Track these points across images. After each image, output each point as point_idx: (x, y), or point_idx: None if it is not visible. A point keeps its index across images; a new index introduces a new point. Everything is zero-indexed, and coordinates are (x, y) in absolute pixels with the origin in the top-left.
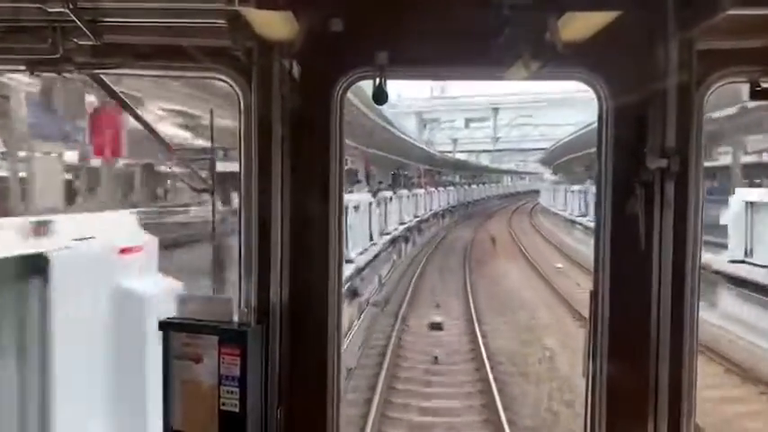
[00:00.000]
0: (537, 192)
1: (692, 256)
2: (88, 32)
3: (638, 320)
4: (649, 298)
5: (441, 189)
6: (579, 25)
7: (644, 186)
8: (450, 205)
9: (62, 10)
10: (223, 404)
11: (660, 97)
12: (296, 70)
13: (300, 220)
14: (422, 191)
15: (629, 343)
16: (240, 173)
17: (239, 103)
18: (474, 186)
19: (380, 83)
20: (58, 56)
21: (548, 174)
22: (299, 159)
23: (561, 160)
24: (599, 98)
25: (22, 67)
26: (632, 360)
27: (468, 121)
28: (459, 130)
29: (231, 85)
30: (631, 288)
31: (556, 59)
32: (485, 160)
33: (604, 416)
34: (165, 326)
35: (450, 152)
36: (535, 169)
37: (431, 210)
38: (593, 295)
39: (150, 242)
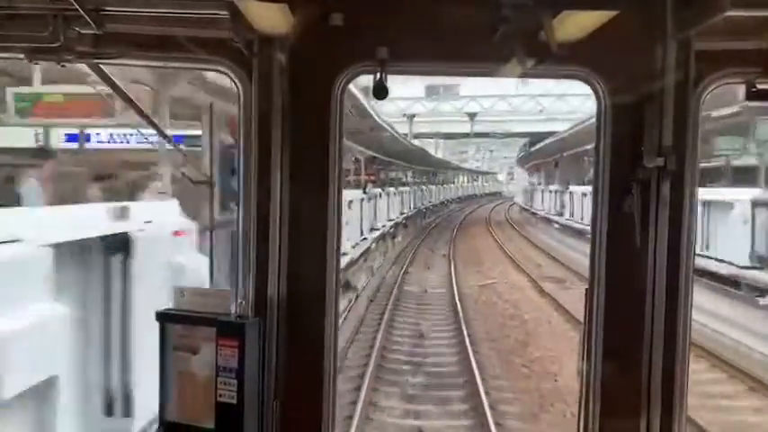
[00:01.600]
0: (495, 194)
1: (686, 254)
2: (90, 21)
3: (632, 318)
4: (644, 296)
5: (392, 191)
6: (577, 24)
7: (641, 185)
8: (404, 216)
9: None
10: (220, 396)
11: (657, 97)
12: (296, 64)
13: (299, 213)
14: (358, 194)
15: (624, 341)
16: (239, 165)
17: (239, 96)
18: (432, 188)
19: (381, 78)
20: (58, 44)
21: (502, 175)
22: (298, 153)
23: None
24: (597, 97)
25: (21, 56)
26: (626, 358)
27: (429, 90)
28: (417, 102)
29: (231, 78)
30: (626, 286)
31: (554, 57)
32: (438, 153)
33: (598, 413)
34: (162, 317)
35: (405, 134)
36: (490, 168)
37: (376, 229)
38: (588, 293)
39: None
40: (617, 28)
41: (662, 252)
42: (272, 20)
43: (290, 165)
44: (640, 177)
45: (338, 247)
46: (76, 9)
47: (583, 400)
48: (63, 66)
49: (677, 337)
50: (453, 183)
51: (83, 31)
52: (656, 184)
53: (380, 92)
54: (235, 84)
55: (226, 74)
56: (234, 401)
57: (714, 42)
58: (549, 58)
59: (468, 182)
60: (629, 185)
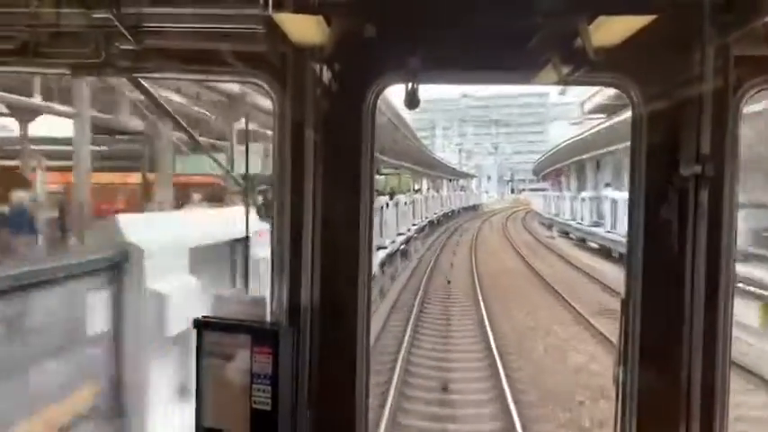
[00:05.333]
0: (473, 208)
1: (725, 263)
2: (130, 37)
3: (670, 328)
4: (682, 306)
5: None
6: (613, 29)
7: (678, 193)
8: None
9: (106, 16)
10: (255, 402)
11: (695, 103)
12: (329, 75)
13: (332, 222)
14: None
15: (661, 350)
16: (274, 176)
17: (274, 108)
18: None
19: (413, 88)
20: (100, 60)
21: (474, 182)
22: (331, 163)
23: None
24: (632, 104)
25: (67, 71)
26: (664, 368)
27: None
28: None
29: (267, 90)
30: (664, 295)
31: (588, 64)
32: None
33: (635, 423)
34: (198, 324)
35: None
36: (452, 165)
37: None
38: (625, 303)
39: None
40: (653, 33)
41: (700, 261)
42: (307, 32)
43: (323, 175)
44: (677, 185)
45: (370, 257)
46: (117, 26)
47: (619, 410)
48: (105, 80)
49: (717, 348)
50: (414, 192)
51: (123, 47)
52: (694, 191)
53: (412, 102)
54: (270, 96)
55: (261, 86)
56: (268, 408)
57: (754, 48)
58: (584, 66)
59: (436, 191)
60: (665, 193)
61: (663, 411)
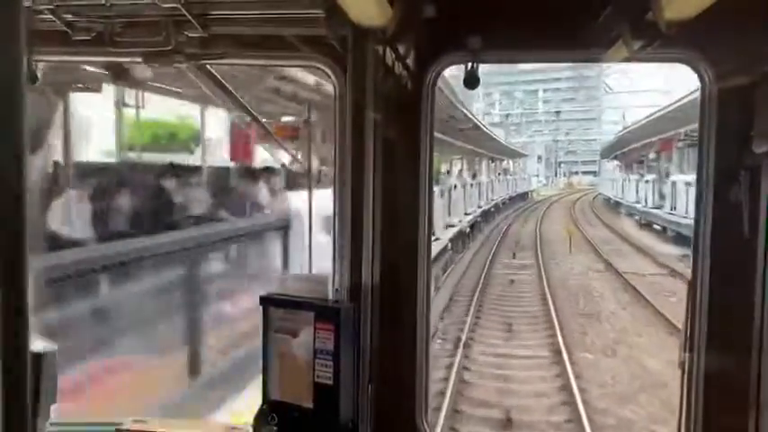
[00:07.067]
0: (521, 197)
1: None
2: (197, 25)
3: (739, 311)
4: (752, 289)
5: None
6: (684, 3)
7: (750, 172)
8: None
9: (175, 5)
10: (318, 377)
11: None
12: (389, 57)
13: (391, 202)
14: None
15: (730, 334)
16: (335, 157)
17: (335, 90)
18: None
19: (473, 67)
20: (170, 48)
21: (520, 162)
22: (391, 144)
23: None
24: (702, 81)
25: (139, 59)
26: (733, 353)
27: None
28: None
29: (327, 73)
30: (733, 278)
31: (658, 40)
32: None
33: (701, 409)
34: (265, 301)
35: None
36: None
37: None
38: (692, 285)
39: None
40: (725, 7)
41: None
42: (368, 13)
43: (383, 155)
44: (749, 164)
45: (429, 236)
46: (185, 14)
47: (685, 394)
48: (175, 67)
49: None
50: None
51: (191, 35)
52: (767, 170)
53: (472, 82)
54: (330, 78)
55: (321, 69)
56: (331, 382)
57: None
58: (655, 41)
59: (473, 176)
60: (735, 173)
61: (730, 397)
